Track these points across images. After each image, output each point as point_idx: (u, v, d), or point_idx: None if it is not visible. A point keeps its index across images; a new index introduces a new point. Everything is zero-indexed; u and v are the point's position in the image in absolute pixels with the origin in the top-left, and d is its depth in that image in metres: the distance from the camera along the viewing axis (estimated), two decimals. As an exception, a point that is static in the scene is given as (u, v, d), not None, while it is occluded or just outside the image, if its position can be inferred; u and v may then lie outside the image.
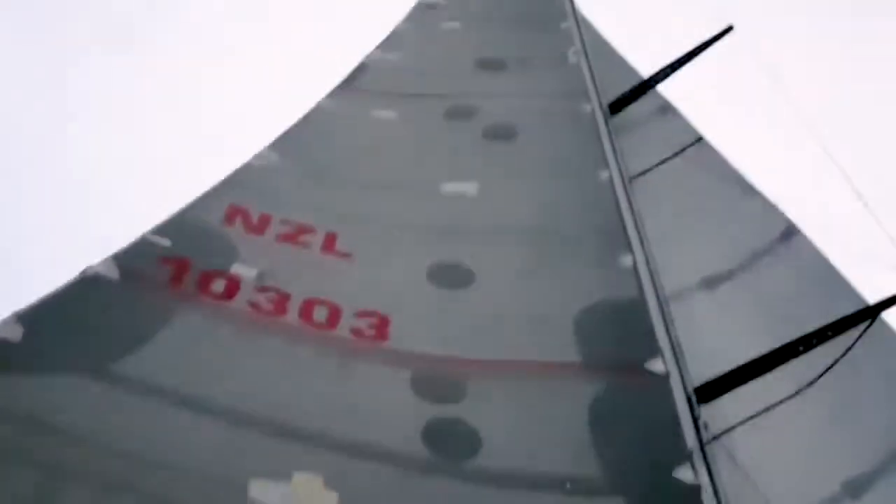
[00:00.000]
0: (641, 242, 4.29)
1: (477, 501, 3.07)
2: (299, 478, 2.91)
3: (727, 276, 5.16)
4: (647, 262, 4.13)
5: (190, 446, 2.93)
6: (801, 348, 3.83)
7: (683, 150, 5.91)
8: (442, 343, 3.66)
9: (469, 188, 4.63)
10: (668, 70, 6.21)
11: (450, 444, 3.23)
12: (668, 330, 3.70)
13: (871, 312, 4.03)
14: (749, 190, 5.86)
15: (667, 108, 6.52)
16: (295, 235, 4.06)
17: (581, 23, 6.95)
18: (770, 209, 5.68)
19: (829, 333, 3.89)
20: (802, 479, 3.98)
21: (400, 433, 3.22)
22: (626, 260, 4.06)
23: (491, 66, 6.12)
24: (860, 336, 3.90)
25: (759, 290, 5.05)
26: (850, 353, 4.10)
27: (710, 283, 5.05)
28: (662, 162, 5.67)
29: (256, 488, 2.82)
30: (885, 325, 4.54)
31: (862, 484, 4.10)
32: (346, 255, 4.03)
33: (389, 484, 3.05)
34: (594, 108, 5.45)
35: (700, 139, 6.19)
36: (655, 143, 5.92)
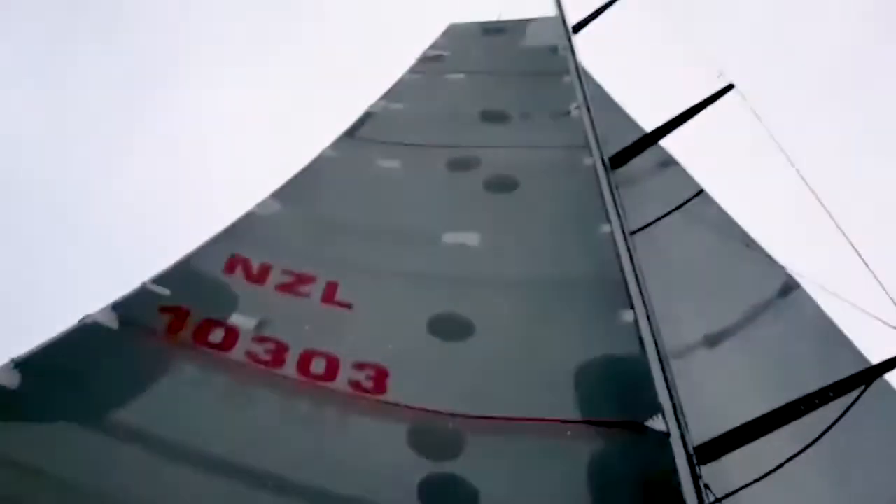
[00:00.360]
0: (642, 297, 4.27)
1: None
2: None
3: (728, 333, 5.13)
4: (648, 318, 4.11)
5: (184, 498, 2.89)
6: (802, 408, 3.81)
7: (684, 203, 5.93)
8: (440, 397, 3.62)
9: (470, 239, 4.64)
10: (670, 126, 6.27)
11: (447, 501, 3.17)
12: (669, 387, 3.66)
13: (873, 373, 4.01)
14: (749, 244, 5.86)
15: (668, 162, 6.57)
16: (295, 285, 4.06)
17: (584, 76, 7.05)
18: (770, 263, 5.67)
19: (831, 394, 3.87)
20: None
21: (396, 489, 3.17)
22: (627, 315, 4.04)
23: (494, 118, 6.20)
24: (856, 400, 3.87)
25: (759, 347, 5.01)
26: (853, 410, 4.08)
27: (712, 340, 5.02)
28: (664, 216, 5.69)
29: None
30: (885, 383, 4.51)
31: None
32: (346, 305, 4.03)
33: None
34: (596, 161, 5.50)
35: (701, 192, 6.22)
36: (657, 197, 5.95)
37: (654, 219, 5.64)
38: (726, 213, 6.15)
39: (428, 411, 3.53)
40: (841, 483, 4.41)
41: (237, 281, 4.00)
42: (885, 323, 4.32)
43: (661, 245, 4.97)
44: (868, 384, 3.93)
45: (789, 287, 5.62)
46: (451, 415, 3.53)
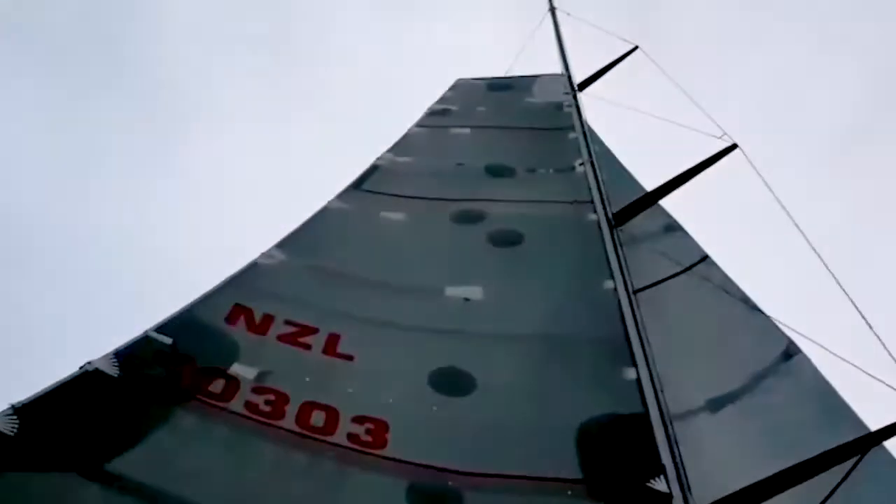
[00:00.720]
0: (646, 355, 4.24)
1: None
2: None
3: (731, 398, 5.11)
4: (652, 377, 4.08)
5: None
6: (800, 474, 3.80)
7: (689, 267, 5.95)
8: (440, 452, 3.58)
9: (473, 293, 4.65)
10: (673, 184, 6.33)
11: None
12: (672, 448, 3.61)
13: (870, 441, 4.00)
14: (752, 308, 5.86)
15: (673, 226, 6.61)
16: (297, 336, 4.06)
17: (588, 133, 7.14)
18: (771, 328, 5.67)
19: (829, 461, 3.88)
20: None
21: None
22: (630, 373, 4.01)
23: (499, 172, 6.26)
24: (853, 468, 3.85)
25: (761, 412, 4.99)
26: (852, 477, 4.07)
27: (714, 405, 5.00)
28: (668, 278, 5.70)
29: None
30: (884, 450, 4.47)
31: None
32: (347, 357, 4.01)
33: None
34: (600, 217, 5.53)
35: (706, 258, 6.23)
36: (661, 260, 5.97)
37: (657, 280, 5.65)
38: (729, 278, 6.15)
39: (427, 467, 3.49)
40: None
41: (239, 331, 4.00)
42: (887, 385, 4.30)
43: (663, 308, 4.97)
44: (864, 452, 3.93)
45: (790, 353, 5.61)
46: (451, 471, 3.49)
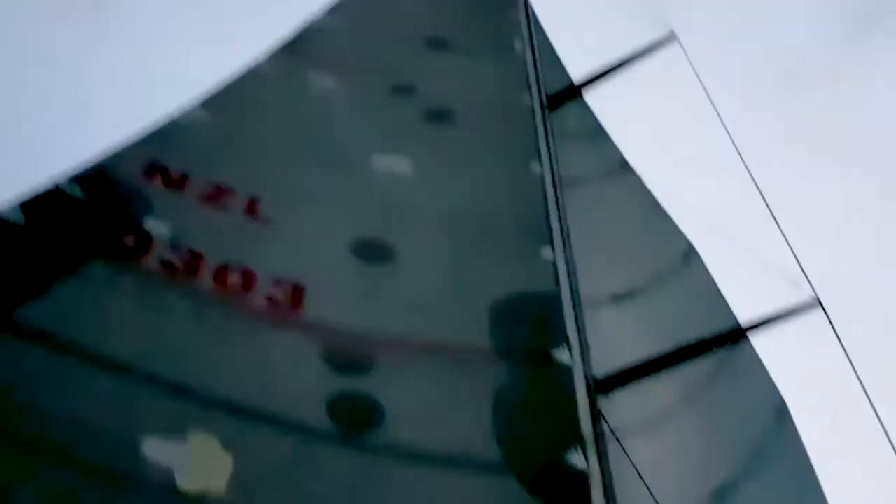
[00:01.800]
0: (563, 238, 4.39)
1: (375, 474, 3.11)
2: (195, 438, 2.87)
3: (631, 295, 5.48)
4: (566, 258, 4.24)
5: (83, 398, 2.85)
6: (684, 357, 4.35)
7: (608, 170, 6.15)
8: (357, 317, 3.66)
9: (401, 165, 4.62)
10: (605, 73, 6.35)
11: (354, 417, 3.25)
12: (577, 324, 3.81)
13: (741, 333, 4.66)
14: (660, 213, 6.14)
15: (598, 129, 6.71)
16: (215, 196, 3.96)
17: (531, 17, 6.99)
18: (676, 232, 5.99)
19: (710, 348, 4.46)
20: (680, 484, 4.23)
21: (304, 403, 3.22)
22: (547, 253, 4.14)
23: (437, 45, 6.10)
24: (721, 348, 4.48)
25: (658, 309, 5.37)
26: (724, 369, 4.90)
27: (616, 299, 5.34)
28: (586, 178, 5.87)
29: (150, 445, 2.77)
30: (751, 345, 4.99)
31: (724, 491, 4.41)
32: (267, 220, 3.97)
33: (289, 451, 3.05)
34: (534, 100, 5.51)
35: (625, 162, 6.42)
36: (582, 159, 6.10)
37: (580, 174, 5.80)
38: (643, 183, 6.39)
39: (343, 331, 3.57)
40: (715, 438, 4.83)
41: (154, 187, 3.88)
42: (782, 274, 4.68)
43: (577, 206, 5.11)
44: (735, 342, 4.40)
45: (689, 254, 5.98)
46: (366, 336, 3.58)
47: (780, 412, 5.27)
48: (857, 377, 4.34)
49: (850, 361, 4.37)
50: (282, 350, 3.46)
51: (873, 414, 4.27)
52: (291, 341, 3.49)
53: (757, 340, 4.95)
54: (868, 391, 4.39)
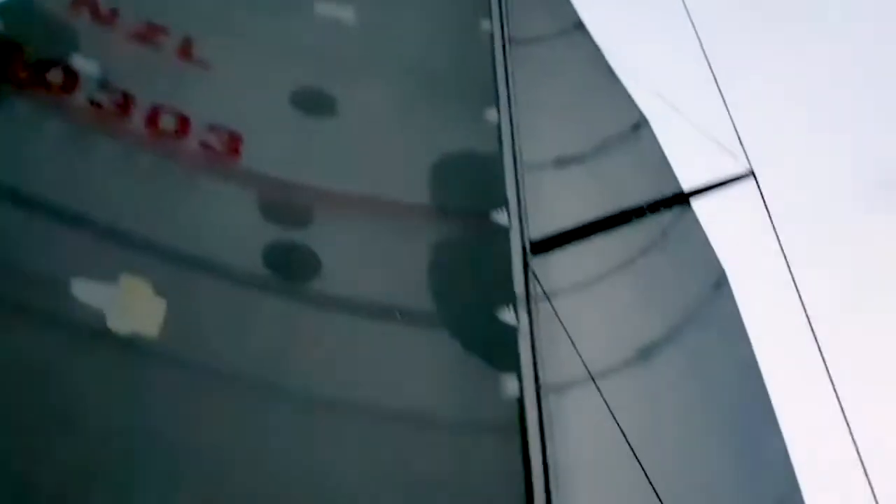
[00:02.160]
0: (509, 100, 4.33)
1: (309, 322, 3.16)
2: (127, 281, 2.86)
3: (577, 159, 5.43)
4: (511, 120, 4.20)
5: (7, 238, 2.79)
6: (621, 221, 4.44)
7: (561, 30, 5.95)
8: (295, 168, 3.60)
9: (345, 14, 4.41)
10: None
11: (289, 266, 3.26)
12: (517, 187, 3.83)
13: (682, 198, 4.73)
14: (613, 80, 6.03)
15: None
16: (148, 34, 3.74)
17: None
18: (628, 101, 5.92)
19: (647, 212, 4.54)
20: (608, 342, 4.42)
21: (240, 251, 3.21)
22: (492, 114, 4.09)
23: None
24: (656, 214, 4.56)
25: (603, 175, 5.38)
26: (664, 237, 4.90)
27: (560, 163, 5.30)
28: (538, 38, 5.69)
29: (79, 287, 2.75)
30: (693, 213, 5.09)
31: (651, 349, 4.63)
32: (203, 64, 3.79)
33: (222, 297, 3.06)
34: None
35: (581, 25, 6.21)
36: (536, 19, 5.88)
37: (533, 36, 5.62)
38: (598, 48, 6.23)
39: (280, 181, 3.52)
40: (645, 300, 5.02)
41: (82, 22, 3.64)
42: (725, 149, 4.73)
43: (529, 66, 4.98)
44: (669, 208, 4.47)
45: (639, 124, 5.94)
46: (304, 187, 3.54)
47: (718, 282, 5.45)
48: (781, 248, 4.50)
49: (776, 232, 4.51)
50: (217, 198, 3.40)
51: (795, 281, 4.44)
52: (226, 189, 3.43)
53: (698, 211, 5.08)
54: (790, 263, 4.57)
